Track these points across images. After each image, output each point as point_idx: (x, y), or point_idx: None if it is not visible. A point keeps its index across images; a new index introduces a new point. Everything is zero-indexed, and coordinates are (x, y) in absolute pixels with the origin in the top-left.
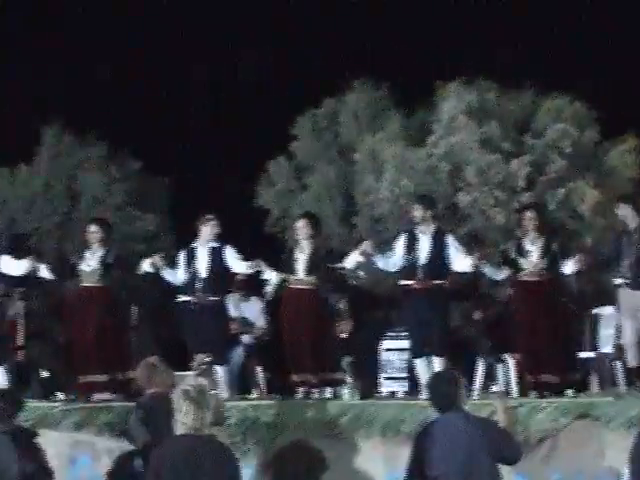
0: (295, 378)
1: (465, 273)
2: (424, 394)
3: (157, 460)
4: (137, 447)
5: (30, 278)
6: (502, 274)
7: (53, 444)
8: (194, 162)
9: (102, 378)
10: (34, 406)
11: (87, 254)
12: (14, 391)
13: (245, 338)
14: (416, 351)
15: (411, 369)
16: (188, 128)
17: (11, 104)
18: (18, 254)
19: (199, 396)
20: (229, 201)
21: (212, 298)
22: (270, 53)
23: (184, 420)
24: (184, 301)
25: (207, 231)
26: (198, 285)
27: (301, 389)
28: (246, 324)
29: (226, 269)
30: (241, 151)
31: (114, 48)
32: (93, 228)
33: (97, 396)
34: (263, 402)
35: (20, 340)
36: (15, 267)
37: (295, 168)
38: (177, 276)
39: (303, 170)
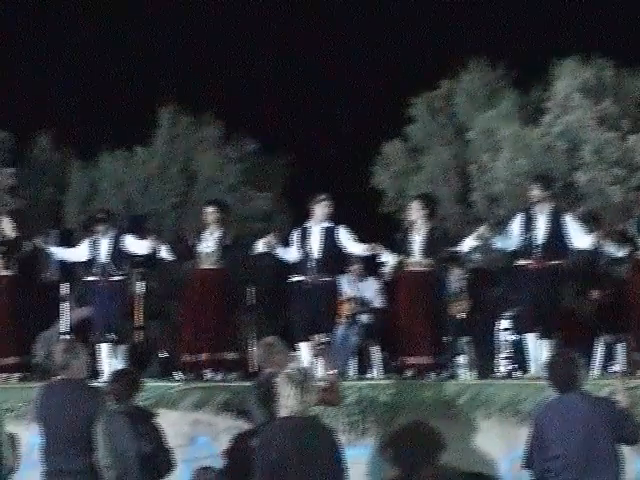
0: (410, 360)
1: (583, 252)
2: (541, 374)
3: (262, 443)
4: (255, 426)
5: (151, 258)
6: (623, 251)
7: (172, 424)
8: (311, 142)
9: (213, 357)
10: (153, 386)
11: (205, 235)
12: (132, 371)
13: (362, 318)
14: (526, 327)
15: (517, 347)
16: (305, 109)
17: (127, 86)
18: (138, 235)
19: (303, 379)
20: (345, 182)
21: (324, 278)
22: (386, 36)
23: (288, 403)
24: (297, 281)
25: (320, 211)
26: (310, 265)
27: (416, 370)
28: (363, 304)
29: (339, 250)
30: (357, 133)
31: (228, 28)
32: (210, 209)
33: (209, 375)
34: (381, 382)
35: (139, 320)
36: (139, 246)
37: (410, 149)
38: (290, 256)
39: (418, 151)
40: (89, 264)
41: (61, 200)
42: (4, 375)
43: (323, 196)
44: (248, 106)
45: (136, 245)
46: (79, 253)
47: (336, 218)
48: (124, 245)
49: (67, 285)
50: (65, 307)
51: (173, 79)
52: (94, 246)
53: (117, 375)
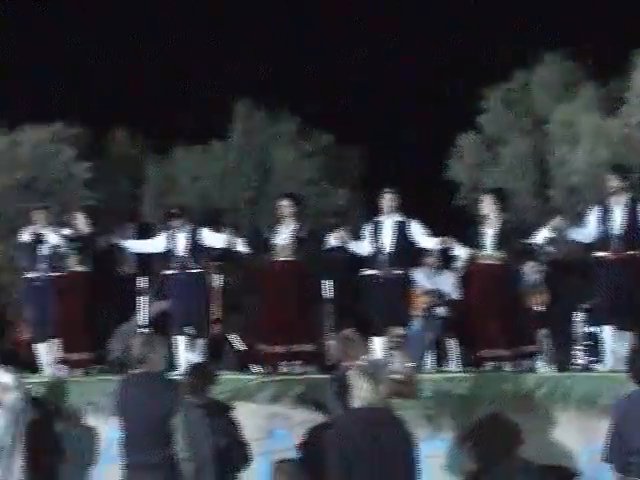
0: (486, 354)
1: None
2: (619, 366)
3: (336, 434)
4: (330, 419)
5: (228, 251)
6: None
7: (250, 416)
8: (386, 136)
9: (290, 349)
10: (230, 379)
11: (280, 228)
12: (206, 364)
13: (439, 311)
14: (603, 319)
15: (594, 339)
16: (379, 103)
17: (203, 81)
18: (214, 229)
19: (375, 372)
20: (420, 174)
21: (397, 272)
22: (460, 28)
23: (361, 395)
24: (369, 275)
25: (385, 204)
26: (382, 259)
27: (492, 363)
28: (440, 297)
29: (411, 243)
30: (431, 125)
31: (304, 23)
32: (285, 202)
33: (285, 367)
34: (458, 375)
35: (217, 313)
36: (215, 240)
37: (485, 141)
38: (363, 249)
39: (494, 143)
40: (166, 257)
41: (137, 194)
42: (79, 370)
43: (387, 189)
44: (323, 100)
45: (212, 238)
46: (156, 245)
47: (410, 211)
48: (201, 238)
49: (145, 279)
50: (143, 301)
51: (249, 74)
52: (171, 239)
53: (193, 368)
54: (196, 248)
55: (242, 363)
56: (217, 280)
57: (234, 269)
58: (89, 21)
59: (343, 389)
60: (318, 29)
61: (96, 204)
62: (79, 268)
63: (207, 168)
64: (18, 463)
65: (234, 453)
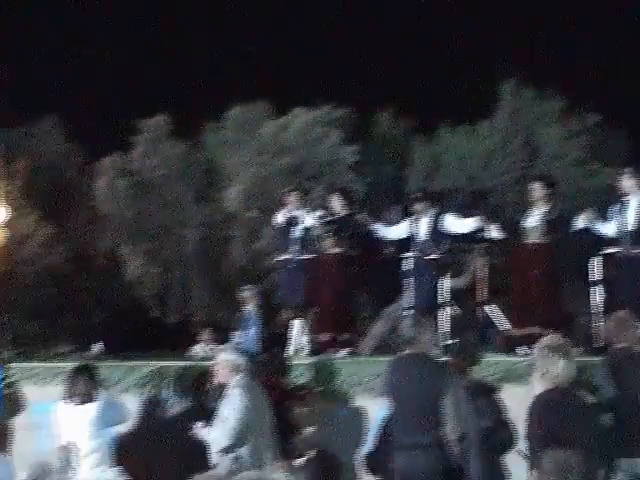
0: None
1: None
2: None
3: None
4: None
5: (476, 236)
6: None
7: (519, 400)
8: None
9: (543, 332)
10: (499, 361)
11: (531, 211)
12: (473, 345)
13: None
14: None
15: None
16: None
17: (469, 61)
18: (472, 211)
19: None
20: None
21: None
22: None
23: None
24: (611, 253)
25: (627, 184)
26: (625, 237)
27: None
28: None
29: None
30: None
31: None
32: (537, 185)
33: None
34: None
35: (482, 296)
36: (459, 225)
37: None
38: (608, 229)
39: None
40: (409, 242)
41: (403, 176)
42: (330, 351)
43: (629, 168)
44: (590, 79)
45: (456, 224)
46: (399, 231)
47: None
48: (443, 224)
49: (410, 261)
50: (407, 282)
51: (515, 53)
52: (414, 224)
53: (460, 349)
54: (437, 233)
55: (508, 344)
56: (483, 262)
57: (500, 251)
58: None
59: (615, 371)
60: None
61: (362, 188)
62: (334, 250)
63: (473, 149)
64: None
65: (498, 434)
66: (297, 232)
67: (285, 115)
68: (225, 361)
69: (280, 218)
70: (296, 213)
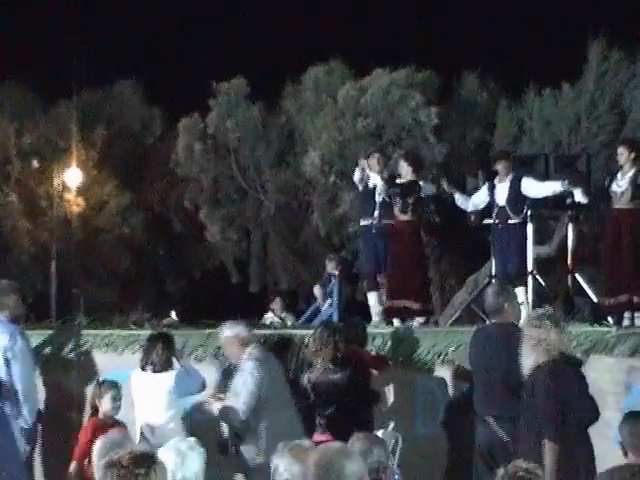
0: None
1: None
2: None
3: None
4: None
5: (561, 201)
6: None
7: (607, 370)
8: None
9: (633, 299)
10: (586, 331)
11: (619, 175)
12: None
13: None
14: None
15: None
16: None
17: (558, 21)
18: (562, 175)
19: None
20: None
21: None
22: None
23: None
24: None
25: None
26: None
27: None
28: None
29: None
30: None
31: None
32: (621, 149)
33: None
34: None
35: (569, 264)
36: (540, 189)
37: None
38: None
39: None
40: (489, 208)
41: (488, 140)
42: (406, 319)
43: None
44: None
45: (536, 188)
46: (476, 202)
47: None
48: (523, 188)
49: (492, 227)
50: (491, 250)
51: (605, 12)
52: (492, 190)
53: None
54: (517, 198)
55: (597, 315)
56: (572, 230)
57: (590, 218)
58: None
59: None
60: None
61: (444, 151)
62: (403, 217)
63: (559, 113)
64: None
65: (579, 409)
66: (377, 197)
67: (364, 77)
68: (227, 337)
69: (359, 183)
70: (374, 178)
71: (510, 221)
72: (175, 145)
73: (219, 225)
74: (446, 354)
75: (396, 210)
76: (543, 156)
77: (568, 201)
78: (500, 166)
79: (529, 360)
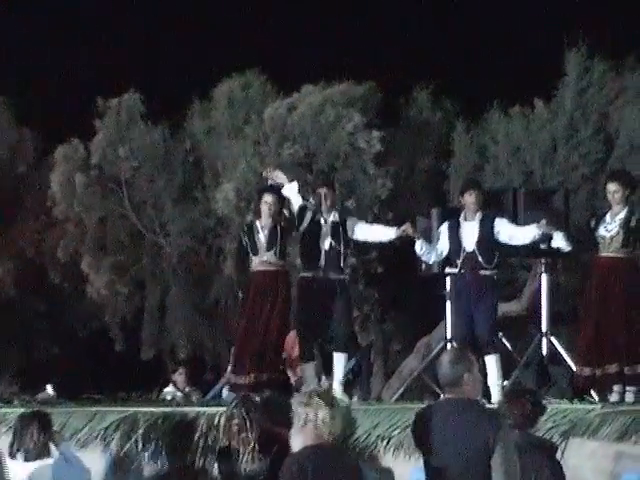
0: None
1: None
2: None
3: None
4: None
5: (537, 248)
6: None
7: (590, 457)
8: None
9: (621, 369)
10: (562, 409)
11: (607, 216)
12: (534, 392)
13: None
14: None
15: None
16: None
17: (533, 26)
18: (535, 214)
19: None
20: None
21: None
22: None
23: None
24: None
25: None
26: None
27: None
28: None
29: None
30: None
31: None
32: (614, 186)
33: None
34: None
35: (543, 324)
36: (516, 233)
37: None
38: None
39: None
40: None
41: (443, 171)
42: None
43: None
44: None
45: (509, 232)
46: (440, 248)
47: None
48: (494, 232)
49: (452, 278)
50: (453, 308)
51: (585, 15)
52: (456, 231)
53: (514, 395)
54: (488, 243)
55: (577, 388)
56: (545, 281)
57: (566, 268)
58: None
59: None
60: None
61: (388, 183)
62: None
63: (530, 137)
64: None
65: None
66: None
67: (291, 94)
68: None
69: None
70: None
71: (481, 272)
72: (50, 177)
73: (106, 277)
74: (390, 438)
75: None
76: (511, 190)
77: (543, 247)
78: (470, 199)
79: (295, 442)
